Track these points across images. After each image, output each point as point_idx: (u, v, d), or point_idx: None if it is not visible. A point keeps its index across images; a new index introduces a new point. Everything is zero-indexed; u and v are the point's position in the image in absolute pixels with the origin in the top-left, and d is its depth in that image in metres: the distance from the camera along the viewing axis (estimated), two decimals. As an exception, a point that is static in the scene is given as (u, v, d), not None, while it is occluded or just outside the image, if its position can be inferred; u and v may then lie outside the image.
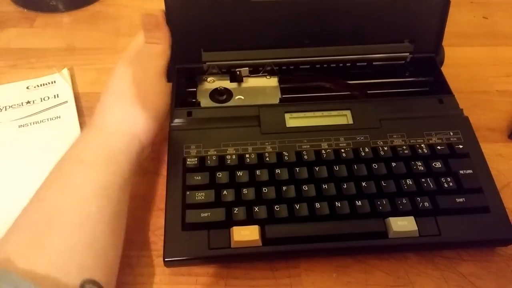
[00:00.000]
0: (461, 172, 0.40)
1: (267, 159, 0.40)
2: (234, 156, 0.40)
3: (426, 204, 0.38)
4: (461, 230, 0.37)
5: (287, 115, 0.43)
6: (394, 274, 0.38)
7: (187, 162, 0.40)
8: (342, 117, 0.44)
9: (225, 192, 0.38)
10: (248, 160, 0.40)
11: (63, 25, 0.62)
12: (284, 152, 0.40)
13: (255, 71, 0.49)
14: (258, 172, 0.39)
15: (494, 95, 0.53)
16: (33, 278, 0.28)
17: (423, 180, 0.39)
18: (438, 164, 0.40)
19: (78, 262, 0.30)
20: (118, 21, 0.62)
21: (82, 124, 0.48)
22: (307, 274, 0.38)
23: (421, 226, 0.37)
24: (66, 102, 0.50)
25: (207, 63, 0.47)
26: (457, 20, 0.63)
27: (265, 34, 0.46)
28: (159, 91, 0.41)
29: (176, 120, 0.43)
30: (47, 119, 0.49)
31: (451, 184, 0.39)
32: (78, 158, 0.35)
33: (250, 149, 0.41)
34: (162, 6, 0.43)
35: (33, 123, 0.48)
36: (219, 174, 0.39)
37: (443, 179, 0.39)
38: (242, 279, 0.37)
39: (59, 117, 0.49)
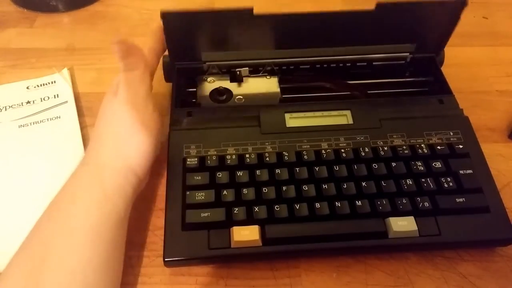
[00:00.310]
0: (461, 172, 0.40)
1: (267, 159, 0.40)
2: (234, 156, 0.40)
3: (426, 204, 0.38)
4: (461, 230, 0.37)
5: (287, 115, 0.43)
6: (394, 274, 0.38)
7: (187, 162, 0.40)
8: (342, 117, 0.44)
9: (225, 192, 0.38)
10: (248, 160, 0.40)
11: (63, 25, 0.62)
12: (284, 152, 0.40)
13: (255, 71, 0.49)
14: (258, 172, 0.39)
15: (494, 95, 0.53)
16: None
17: (423, 180, 0.39)
18: (438, 164, 0.40)
19: None
20: (118, 21, 0.62)
21: (82, 124, 0.48)
22: (307, 274, 0.38)
23: (421, 226, 0.37)
24: (66, 102, 0.50)
25: (207, 63, 0.47)
26: (457, 20, 0.63)
27: (266, 42, 0.47)
28: (148, 117, 0.38)
29: (176, 120, 0.43)
30: (47, 119, 0.49)
31: (451, 184, 0.39)
32: (70, 199, 0.34)
33: (250, 149, 0.41)
34: (162, 6, 0.43)
35: (33, 123, 0.48)
36: (219, 174, 0.39)
37: (443, 179, 0.39)
38: (242, 279, 0.37)
39: (59, 117, 0.49)
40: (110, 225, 0.34)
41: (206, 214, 0.37)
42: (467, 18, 0.64)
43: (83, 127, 0.48)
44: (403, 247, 0.38)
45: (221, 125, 0.43)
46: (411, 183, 0.39)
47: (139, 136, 0.37)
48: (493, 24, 0.63)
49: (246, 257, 0.37)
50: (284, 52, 0.47)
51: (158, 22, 0.43)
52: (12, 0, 0.64)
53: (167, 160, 0.41)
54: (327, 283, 0.37)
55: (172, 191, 0.39)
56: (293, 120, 0.43)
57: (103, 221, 0.33)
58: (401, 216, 0.37)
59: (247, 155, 0.40)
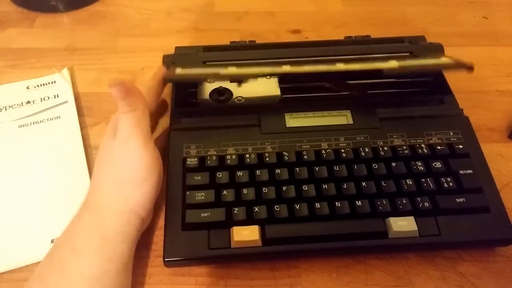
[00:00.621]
0: (461, 172, 0.40)
1: (267, 159, 0.40)
2: (234, 156, 0.40)
3: (426, 204, 0.38)
4: (461, 230, 0.37)
5: (287, 115, 0.43)
6: (394, 274, 0.38)
7: (187, 162, 0.40)
8: (342, 117, 0.44)
9: (225, 192, 0.38)
10: (248, 160, 0.40)
11: (63, 25, 0.62)
12: (284, 152, 0.41)
13: (255, 71, 0.49)
14: (258, 172, 0.39)
15: (494, 95, 0.53)
16: None
17: (423, 180, 0.39)
18: (438, 164, 0.40)
19: None
20: (118, 21, 0.62)
21: (82, 124, 0.48)
22: (307, 274, 0.38)
23: (421, 226, 0.37)
24: (66, 102, 0.50)
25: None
26: (457, 20, 0.63)
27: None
28: (149, 158, 0.37)
29: (176, 120, 0.43)
30: (47, 119, 0.49)
31: (451, 184, 0.39)
32: (70, 246, 0.33)
33: (250, 149, 0.41)
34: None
35: (33, 123, 0.48)
36: (219, 174, 0.39)
37: (443, 179, 0.39)
38: (242, 279, 0.37)
39: (59, 117, 0.49)
40: (112, 270, 0.33)
41: (206, 214, 0.37)
42: (467, 18, 0.64)
43: (83, 127, 0.48)
44: (403, 247, 0.38)
45: (221, 125, 0.43)
46: (411, 183, 0.39)
47: (135, 181, 0.36)
48: (493, 24, 0.63)
49: (246, 257, 0.37)
50: (284, 52, 0.47)
51: (160, 65, 0.45)
52: (12, 0, 0.64)
53: (167, 160, 0.41)
54: (327, 283, 0.37)
55: (172, 191, 0.39)
56: (293, 120, 0.43)
57: (103, 268, 0.32)
58: (401, 216, 0.37)
59: (247, 155, 0.40)
